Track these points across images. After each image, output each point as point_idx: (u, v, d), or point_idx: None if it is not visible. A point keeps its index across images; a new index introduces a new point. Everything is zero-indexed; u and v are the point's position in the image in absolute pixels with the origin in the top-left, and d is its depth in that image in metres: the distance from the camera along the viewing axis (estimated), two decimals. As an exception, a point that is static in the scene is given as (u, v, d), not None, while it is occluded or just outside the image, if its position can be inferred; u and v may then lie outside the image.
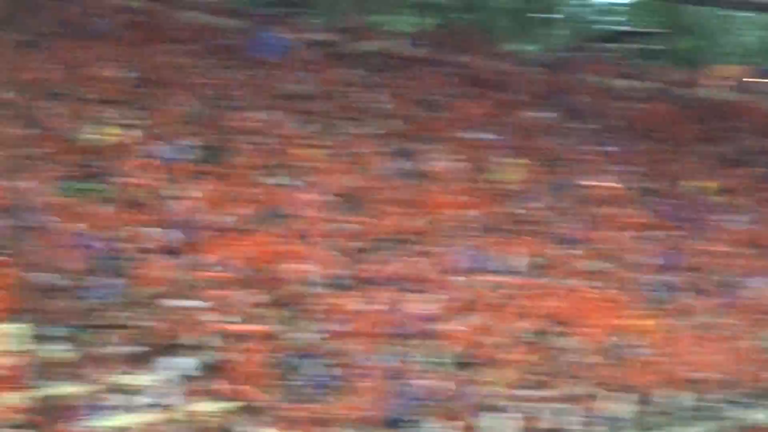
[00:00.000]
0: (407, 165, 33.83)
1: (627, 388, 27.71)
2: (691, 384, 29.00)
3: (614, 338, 29.64)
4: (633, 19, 56.85)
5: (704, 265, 35.62)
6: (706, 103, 47.01)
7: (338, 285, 26.90)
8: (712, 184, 40.28)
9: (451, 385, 25.09)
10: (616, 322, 30.34)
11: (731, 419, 29.94)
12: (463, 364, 26.16)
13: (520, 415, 25.07)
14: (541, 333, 28.39)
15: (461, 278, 29.41)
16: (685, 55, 51.18)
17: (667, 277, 33.94)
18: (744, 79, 50.33)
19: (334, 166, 31.65)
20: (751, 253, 37.60)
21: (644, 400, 28.31)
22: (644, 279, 33.59)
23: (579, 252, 33.48)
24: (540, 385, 26.61)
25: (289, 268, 25.77)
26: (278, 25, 39.24)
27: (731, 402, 30.57)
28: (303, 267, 26.16)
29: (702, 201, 39.71)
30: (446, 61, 41.85)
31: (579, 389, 26.93)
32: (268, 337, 24.41)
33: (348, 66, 38.84)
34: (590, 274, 32.25)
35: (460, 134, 36.36)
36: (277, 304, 25.49)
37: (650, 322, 31.05)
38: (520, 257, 31.40)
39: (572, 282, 31.78)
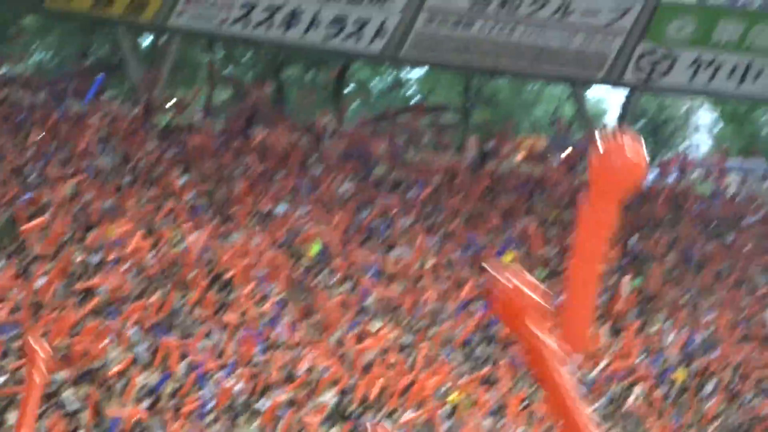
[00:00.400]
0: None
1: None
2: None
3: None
4: (429, 91, 58.90)
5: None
6: (502, 175, 47.83)
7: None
8: (508, 257, 41.43)
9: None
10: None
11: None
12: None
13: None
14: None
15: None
16: (482, 126, 53.15)
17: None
18: (539, 151, 52.25)
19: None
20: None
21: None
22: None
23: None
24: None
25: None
26: (78, 97, 39.77)
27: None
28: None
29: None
30: (243, 133, 43.07)
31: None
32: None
33: (145, 139, 40.05)
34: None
35: (258, 207, 36.80)
36: None
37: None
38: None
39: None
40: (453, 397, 29.81)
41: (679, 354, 36.60)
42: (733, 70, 50.34)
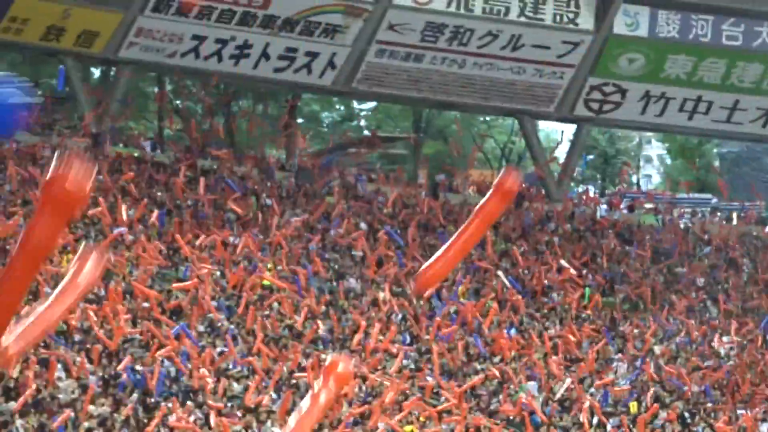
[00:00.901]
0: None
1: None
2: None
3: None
4: (379, 123, 59.98)
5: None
6: (454, 207, 48.80)
7: None
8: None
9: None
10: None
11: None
12: None
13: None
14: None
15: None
16: (432, 158, 54.04)
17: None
18: (490, 183, 51.85)
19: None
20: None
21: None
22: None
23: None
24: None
25: None
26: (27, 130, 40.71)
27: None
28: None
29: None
30: (193, 165, 44.02)
31: None
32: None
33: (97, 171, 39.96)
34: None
35: (207, 238, 37.76)
36: None
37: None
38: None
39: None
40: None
41: (631, 384, 37.61)
42: (683, 104, 52.19)
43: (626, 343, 40.29)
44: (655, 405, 34.78)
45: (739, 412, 37.18)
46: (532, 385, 35.56)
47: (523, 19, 49.78)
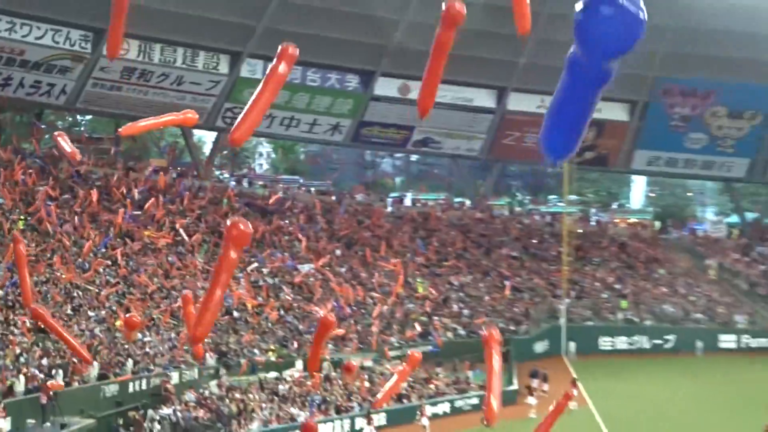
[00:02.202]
0: None
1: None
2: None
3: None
4: (94, 128, 77.09)
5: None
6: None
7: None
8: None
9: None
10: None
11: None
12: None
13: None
14: None
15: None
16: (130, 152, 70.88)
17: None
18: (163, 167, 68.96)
19: None
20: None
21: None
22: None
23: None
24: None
25: None
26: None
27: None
28: None
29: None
30: None
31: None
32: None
33: None
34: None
35: None
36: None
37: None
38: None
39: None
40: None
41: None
42: (281, 121, 72.17)
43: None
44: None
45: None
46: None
47: (185, 65, 68.73)
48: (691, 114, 79.16)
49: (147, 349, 46.52)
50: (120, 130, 16.64)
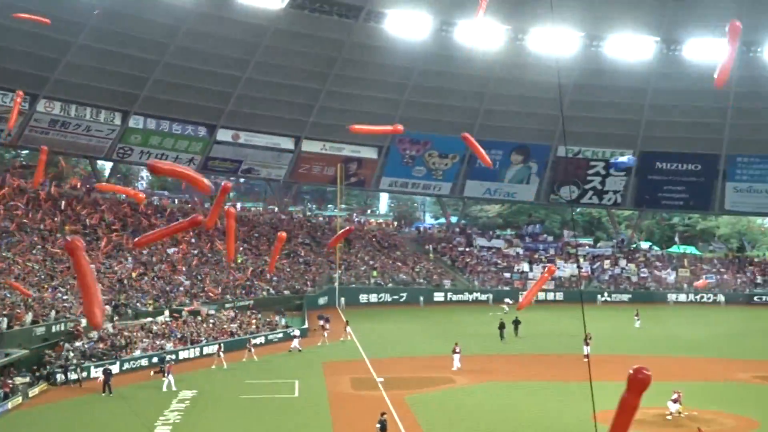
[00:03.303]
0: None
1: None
2: None
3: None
4: None
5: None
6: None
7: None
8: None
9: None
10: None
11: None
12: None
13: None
14: None
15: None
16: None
17: None
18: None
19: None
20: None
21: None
22: None
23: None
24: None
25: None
26: None
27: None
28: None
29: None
30: None
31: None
32: None
33: None
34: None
35: None
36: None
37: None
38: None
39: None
40: None
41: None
42: (167, 158, 70.21)
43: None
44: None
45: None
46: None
47: (92, 118, 66.90)
48: (416, 155, 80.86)
49: (65, 304, 45.62)
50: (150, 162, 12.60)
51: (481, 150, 23.23)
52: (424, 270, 74.91)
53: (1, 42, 50.73)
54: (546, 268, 25.30)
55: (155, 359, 41.80)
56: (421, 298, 69.84)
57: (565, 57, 69.24)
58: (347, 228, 27.42)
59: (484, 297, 71.31)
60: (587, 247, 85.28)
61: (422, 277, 73.63)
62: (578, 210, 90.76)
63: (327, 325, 50.47)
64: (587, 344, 39.37)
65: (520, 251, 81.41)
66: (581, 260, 79.15)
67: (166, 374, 37.03)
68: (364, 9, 67.09)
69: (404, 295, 70.46)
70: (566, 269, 76.31)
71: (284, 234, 18.47)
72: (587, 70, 71.22)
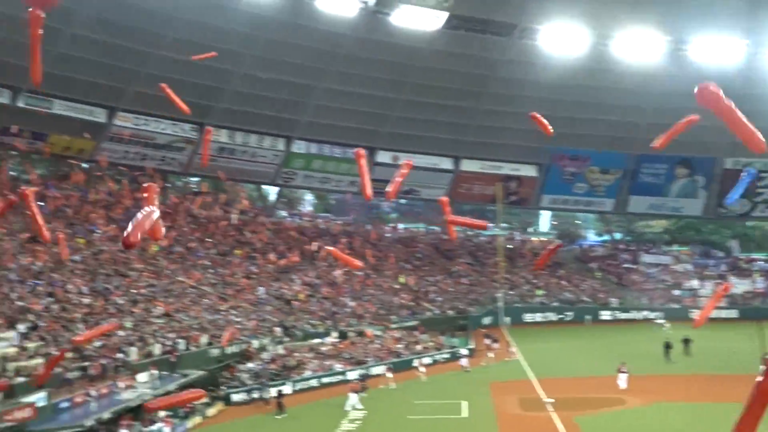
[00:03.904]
0: None
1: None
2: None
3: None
4: None
5: None
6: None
7: None
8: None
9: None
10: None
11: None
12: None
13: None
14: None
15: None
16: None
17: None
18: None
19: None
20: None
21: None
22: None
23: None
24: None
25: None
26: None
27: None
28: None
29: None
30: None
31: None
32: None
33: None
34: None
35: None
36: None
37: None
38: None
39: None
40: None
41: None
42: (330, 182, 71.74)
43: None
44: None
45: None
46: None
47: (256, 145, 68.49)
48: (576, 171, 79.27)
49: (237, 326, 46.87)
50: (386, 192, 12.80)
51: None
52: (590, 288, 73.20)
53: (176, 75, 52.69)
54: (720, 285, 23.94)
55: (356, 374, 42.90)
56: (587, 317, 68.33)
57: (727, 67, 66.02)
58: (555, 245, 26.29)
59: (652, 315, 68.87)
60: (761, 262, 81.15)
61: (587, 295, 71.99)
62: (750, 224, 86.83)
63: (494, 345, 50.06)
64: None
65: (689, 267, 78.46)
66: (755, 276, 75.37)
67: (358, 392, 37.50)
68: (518, 26, 66.41)
69: (570, 314, 69.10)
70: (740, 285, 72.76)
71: (446, 198, 17.74)
72: (742, 77, 67.52)
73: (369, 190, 16.45)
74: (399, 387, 42.26)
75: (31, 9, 10.62)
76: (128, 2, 55.13)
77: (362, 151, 18.24)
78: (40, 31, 11.18)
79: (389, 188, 17.62)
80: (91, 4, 53.91)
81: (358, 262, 16.14)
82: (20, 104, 56.20)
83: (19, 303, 37.32)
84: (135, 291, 45.02)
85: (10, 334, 34.20)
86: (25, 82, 54.93)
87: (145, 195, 11.91)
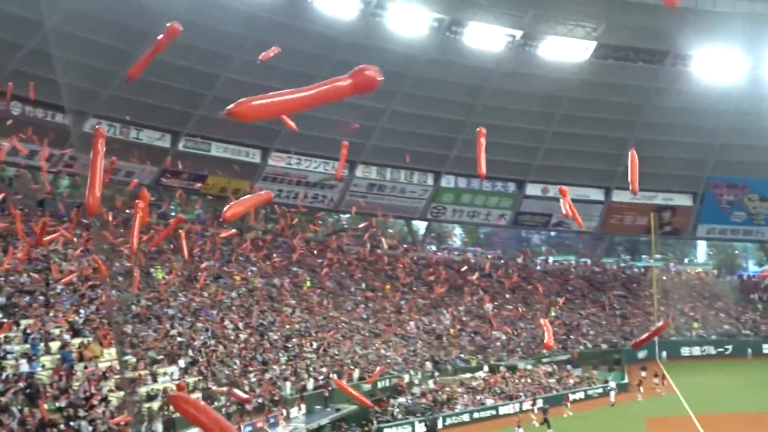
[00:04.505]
0: None
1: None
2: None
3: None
4: None
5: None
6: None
7: None
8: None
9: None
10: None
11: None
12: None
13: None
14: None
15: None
16: None
17: None
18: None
19: None
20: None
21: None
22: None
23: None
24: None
25: None
26: None
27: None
28: None
29: None
30: None
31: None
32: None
33: None
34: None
35: None
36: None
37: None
38: None
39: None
40: None
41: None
42: (479, 215, 72.57)
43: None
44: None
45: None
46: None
47: (405, 180, 68.97)
48: (734, 199, 75.93)
49: (387, 361, 46.97)
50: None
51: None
52: (750, 320, 69.65)
53: (324, 115, 53.53)
54: None
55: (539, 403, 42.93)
56: (749, 351, 64.97)
57: None
58: (661, 324, 24.15)
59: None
60: None
61: (748, 328, 68.51)
62: None
63: (654, 380, 48.50)
64: None
65: None
66: None
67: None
68: (671, 53, 64.46)
69: (729, 347, 65.91)
70: None
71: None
72: None
73: (483, 169, 16.30)
74: (553, 421, 41.24)
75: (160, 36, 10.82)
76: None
77: (483, 130, 17.58)
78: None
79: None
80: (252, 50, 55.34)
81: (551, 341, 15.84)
82: (180, 147, 58.13)
83: (180, 339, 38.31)
84: (289, 327, 45.67)
85: (172, 368, 35.08)
86: (184, 126, 57.18)
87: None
